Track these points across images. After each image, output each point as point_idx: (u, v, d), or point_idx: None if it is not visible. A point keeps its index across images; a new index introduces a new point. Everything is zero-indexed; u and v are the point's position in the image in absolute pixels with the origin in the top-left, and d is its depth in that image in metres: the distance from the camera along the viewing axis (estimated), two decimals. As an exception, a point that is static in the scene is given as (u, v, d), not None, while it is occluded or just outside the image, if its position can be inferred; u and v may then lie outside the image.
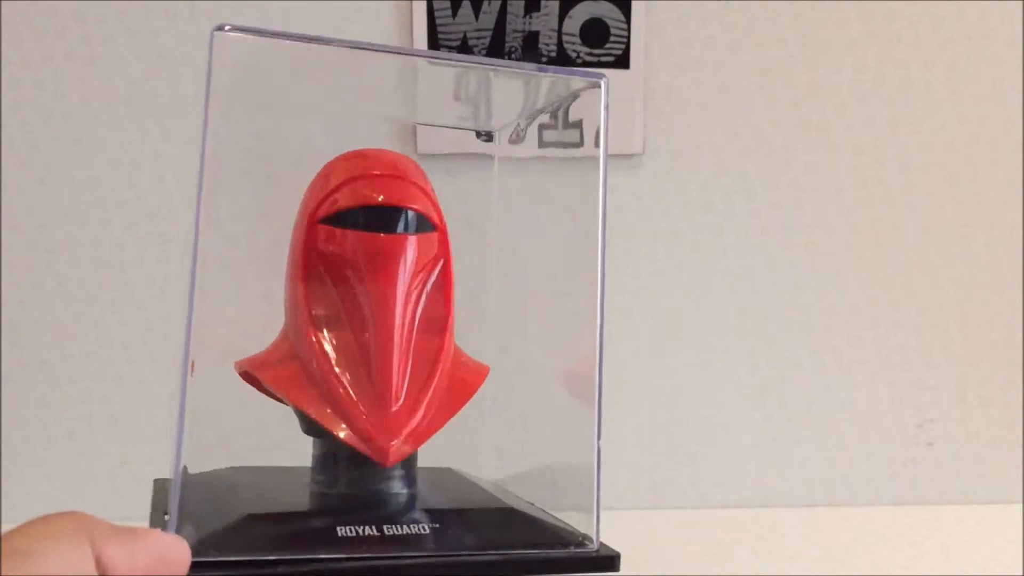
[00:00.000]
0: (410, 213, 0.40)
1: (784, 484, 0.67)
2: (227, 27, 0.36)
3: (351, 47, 0.39)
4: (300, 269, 0.40)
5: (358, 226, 0.39)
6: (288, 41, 0.39)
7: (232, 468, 0.45)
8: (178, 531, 0.34)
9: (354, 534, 0.35)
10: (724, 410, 0.67)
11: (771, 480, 0.67)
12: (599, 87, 0.39)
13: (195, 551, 0.33)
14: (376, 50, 0.40)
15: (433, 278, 0.40)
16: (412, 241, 0.39)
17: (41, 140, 0.65)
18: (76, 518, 0.26)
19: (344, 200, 0.40)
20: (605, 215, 0.38)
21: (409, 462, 0.40)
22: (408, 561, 0.34)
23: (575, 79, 0.42)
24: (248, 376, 0.42)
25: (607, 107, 0.39)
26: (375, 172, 0.40)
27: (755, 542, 0.60)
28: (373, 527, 0.36)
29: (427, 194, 0.41)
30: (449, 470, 0.47)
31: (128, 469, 0.65)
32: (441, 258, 0.41)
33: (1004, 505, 0.67)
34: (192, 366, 0.36)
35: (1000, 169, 0.68)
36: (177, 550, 0.28)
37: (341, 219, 0.39)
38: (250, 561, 0.34)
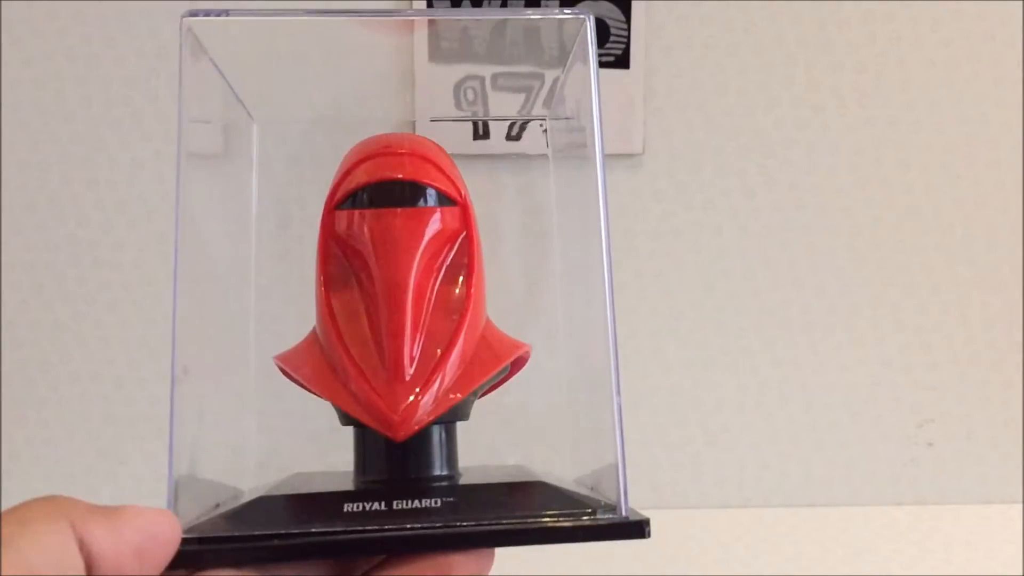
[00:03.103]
0: (425, 187, 0.39)
1: (784, 484, 0.67)
2: (199, 13, 0.36)
3: (321, 15, 0.39)
4: (321, 259, 0.39)
5: (373, 204, 0.38)
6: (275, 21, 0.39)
7: (297, 473, 0.44)
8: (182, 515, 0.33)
9: (360, 509, 0.34)
10: (724, 410, 0.67)
11: (771, 480, 0.67)
12: (584, 25, 0.39)
13: (188, 528, 0.33)
14: (349, 15, 0.40)
15: (454, 253, 0.39)
16: (428, 215, 0.38)
17: (41, 140, 0.65)
18: (54, 501, 0.25)
19: (358, 179, 0.39)
20: (605, 181, 0.37)
21: (448, 445, 0.38)
22: (411, 533, 0.32)
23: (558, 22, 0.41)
24: (282, 369, 0.41)
25: (594, 45, 0.38)
26: (388, 150, 0.40)
27: (755, 542, 0.60)
28: (381, 502, 0.34)
29: (444, 170, 0.40)
30: (518, 467, 0.45)
31: (128, 469, 0.65)
32: (463, 232, 0.40)
33: (1004, 505, 0.67)
34: (185, 370, 0.36)
35: (1000, 169, 0.68)
36: (166, 524, 0.27)
37: (357, 199, 0.39)
38: (244, 536, 0.32)
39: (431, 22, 0.56)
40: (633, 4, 0.65)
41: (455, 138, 0.63)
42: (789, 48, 0.67)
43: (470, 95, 0.60)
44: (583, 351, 0.44)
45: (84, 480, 0.65)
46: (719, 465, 0.67)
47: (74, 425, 0.65)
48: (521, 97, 0.49)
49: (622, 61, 0.65)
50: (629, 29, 0.65)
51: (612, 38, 0.65)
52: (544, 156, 0.53)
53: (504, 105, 0.54)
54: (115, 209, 0.65)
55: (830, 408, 0.68)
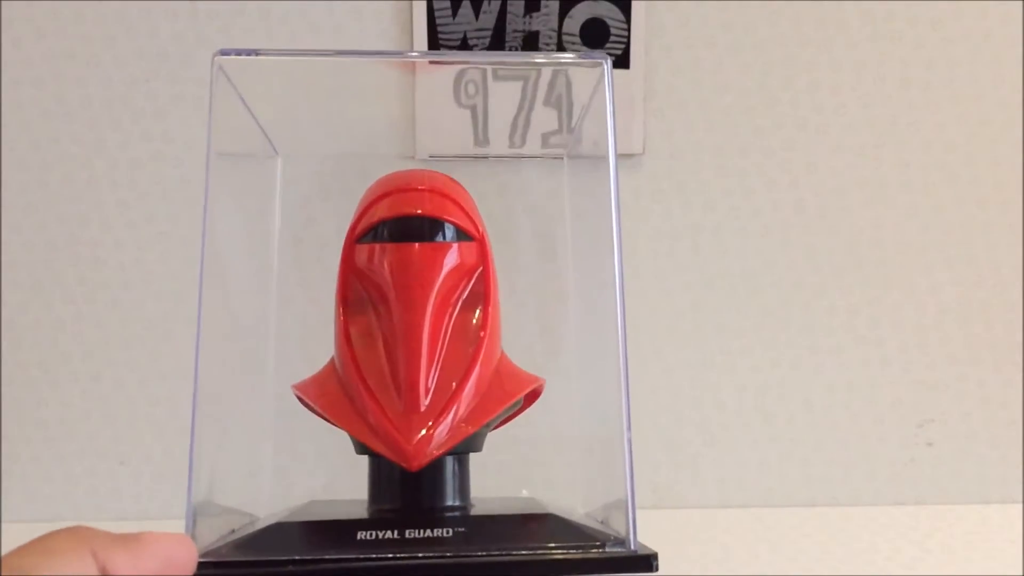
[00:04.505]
0: (443, 223, 0.40)
1: (784, 484, 0.67)
2: (230, 52, 0.37)
3: (345, 55, 0.40)
4: (340, 290, 0.41)
5: (393, 238, 0.39)
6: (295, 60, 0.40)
7: (312, 501, 0.45)
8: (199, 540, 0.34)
9: (373, 537, 0.35)
10: (724, 410, 0.67)
11: (771, 480, 0.67)
12: (600, 69, 0.39)
13: (205, 552, 0.33)
14: (368, 56, 0.41)
15: (470, 287, 0.40)
16: (446, 250, 0.39)
17: (41, 140, 0.65)
18: (76, 532, 0.25)
19: (378, 214, 0.40)
20: (618, 200, 0.38)
21: (460, 476, 0.39)
22: (424, 561, 0.33)
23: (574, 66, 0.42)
24: (300, 398, 0.42)
25: (611, 87, 0.38)
26: (408, 187, 0.41)
27: (755, 542, 0.60)
28: (394, 531, 0.35)
29: (461, 205, 0.41)
30: (530, 499, 0.45)
31: (128, 469, 0.65)
32: (479, 267, 0.41)
33: (1004, 505, 0.67)
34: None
35: (1000, 169, 0.68)
36: (182, 550, 0.28)
37: (377, 234, 0.40)
38: (259, 561, 0.33)
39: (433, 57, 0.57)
40: (633, 4, 0.65)
41: (456, 139, 0.63)
42: (789, 48, 0.67)
43: (471, 89, 0.60)
44: (593, 375, 0.44)
45: (84, 480, 0.65)
46: (719, 465, 0.67)
47: (74, 425, 0.65)
48: (519, 86, 0.49)
49: (622, 61, 0.65)
50: (629, 29, 0.65)
51: (612, 38, 0.65)
52: (544, 157, 0.53)
53: (503, 97, 0.54)
54: (115, 209, 0.65)
55: (830, 408, 0.68)
